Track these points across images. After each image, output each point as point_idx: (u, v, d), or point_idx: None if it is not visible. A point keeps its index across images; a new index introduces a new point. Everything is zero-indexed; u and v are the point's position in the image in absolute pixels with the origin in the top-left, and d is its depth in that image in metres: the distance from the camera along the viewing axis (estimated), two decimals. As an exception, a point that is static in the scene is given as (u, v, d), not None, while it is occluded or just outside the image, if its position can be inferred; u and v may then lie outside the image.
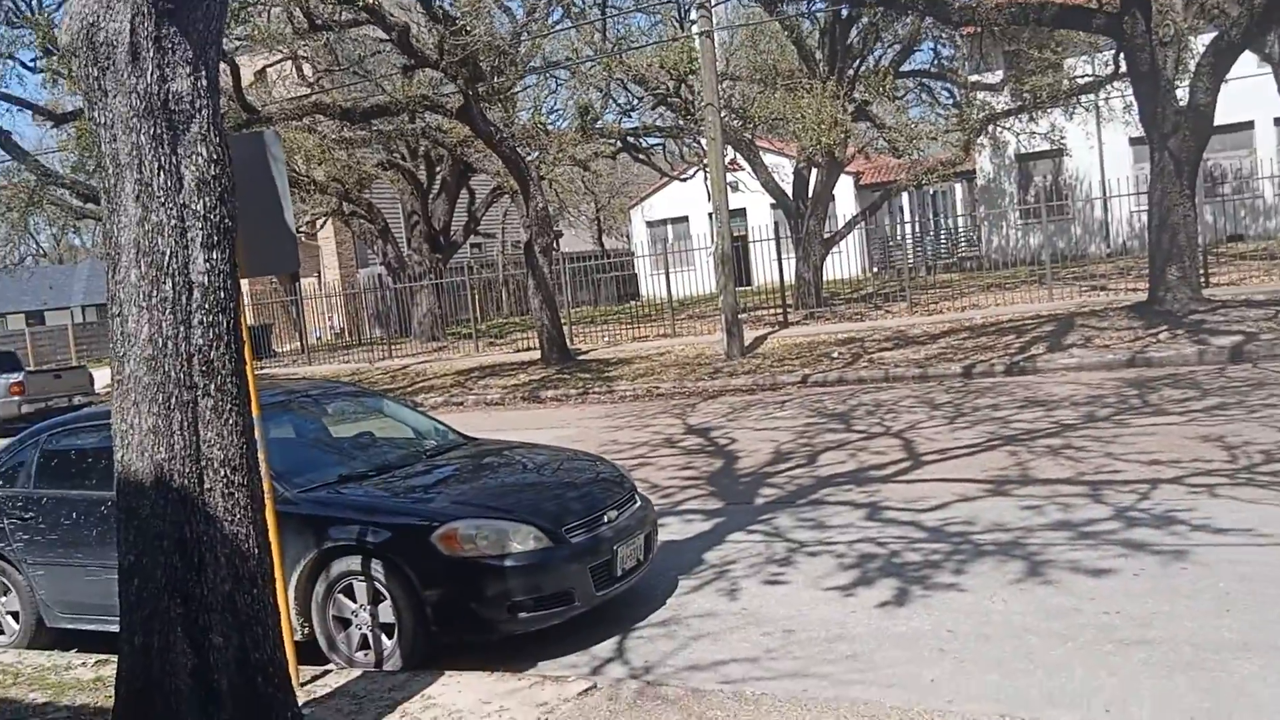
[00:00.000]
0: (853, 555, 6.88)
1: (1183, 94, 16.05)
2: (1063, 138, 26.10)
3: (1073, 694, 4.59)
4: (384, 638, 5.74)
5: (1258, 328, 13.67)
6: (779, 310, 22.10)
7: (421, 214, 28.31)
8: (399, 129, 23.84)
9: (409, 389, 19.55)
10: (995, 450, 9.45)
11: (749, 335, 19.02)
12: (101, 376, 24.66)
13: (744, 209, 31.75)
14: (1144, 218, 18.30)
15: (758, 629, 5.82)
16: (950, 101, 26.96)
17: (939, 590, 6.05)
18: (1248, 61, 19.57)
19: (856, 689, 4.88)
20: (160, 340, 4.06)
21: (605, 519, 6.15)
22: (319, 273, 36.00)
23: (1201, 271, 16.86)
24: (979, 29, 19.51)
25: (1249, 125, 27.50)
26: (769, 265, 23.01)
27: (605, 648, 5.83)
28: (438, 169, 28.64)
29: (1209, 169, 26.78)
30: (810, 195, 23.57)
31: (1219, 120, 15.88)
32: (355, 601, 5.81)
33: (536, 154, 23.31)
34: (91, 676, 5.96)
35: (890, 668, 5.10)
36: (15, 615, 7.04)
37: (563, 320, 21.71)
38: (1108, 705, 4.44)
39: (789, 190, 24.17)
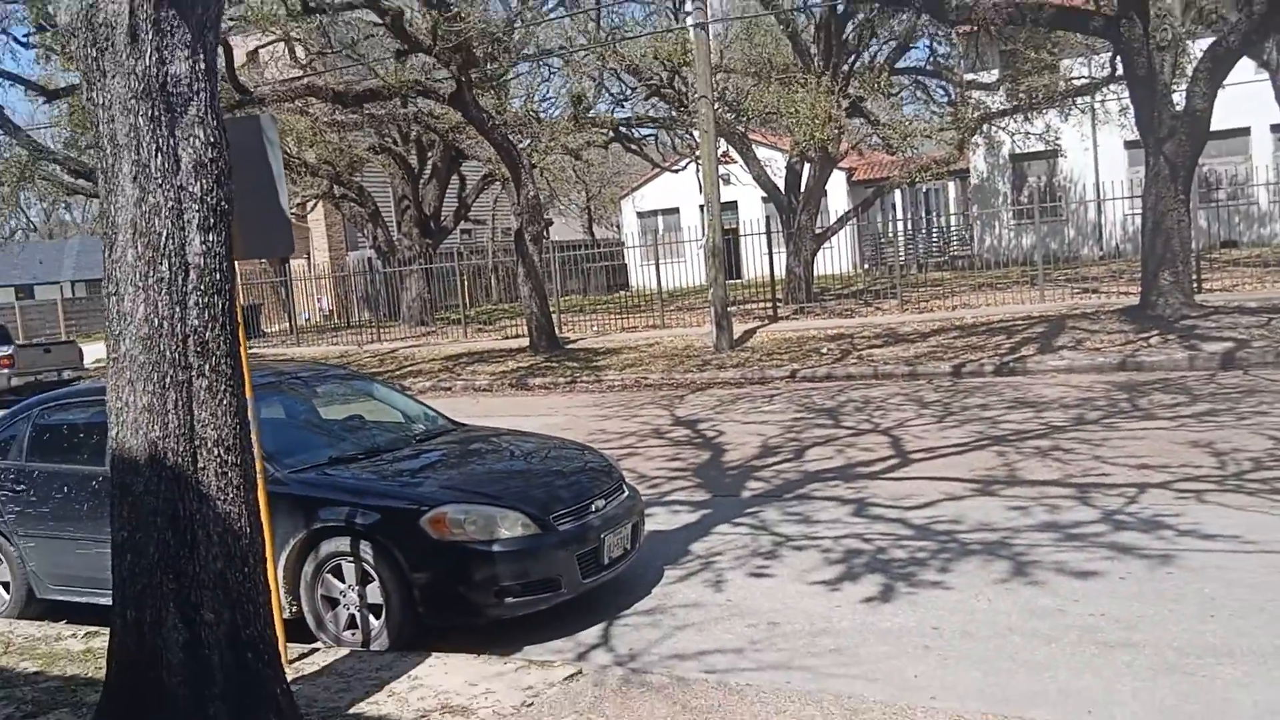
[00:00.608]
0: (839, 550, 6.91)
1: (1179, 99, 16.09)
2: (1058, 139, 26.16)
3: (1055, 694, 4.63)
4: (371, 618, 5.76)
5: (1249, 334, 13.73)
6: (769, 304, 22.13)
7: (412, 199, 28.22)
8: (391, 113, 23.75)
9: (397, 373, 19.52)
10: (983, 450, 9.49)
11: (738, 328, 19.04)
12: (91, 351, 24.58)
13: (735, 202, 31.78)
14: (1138, 221, 18.36)
15: (742, 620, 5.85)
16: (945, 100, 27.00)
17: (924, 587, 6.08)
18: (1245, 67, 19.60)
19: (840, 682, 4.91)
20: (156, 320, 4.06)
21: (593, 508, 6.18)
22: (309, 254, 35.87)
23: (1194, 277, 16.94)
24: (975, 28, 19.56)
25: (1245, 131, 27.60)
26: (759, 259, 23.06)
27: (591, 634, 5.85)
28: (429, 154, 28.54)
29: (1204, 174, 26.89)
30: (802, 190, 23.57)
31: (1215, 126, 15.92)
32: (343, 582, 5.83)
33: (528, 142, 23.26)
34: (81, 648, 5.97)
35: (874, 663, 5.13)
36: (6, 586, 7.05)
37: (552, 309, 21.69)
38: (1090, 706, 4.47)
39: (781, 184, 24.18)
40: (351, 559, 5.78)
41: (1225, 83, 15.58)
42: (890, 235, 31.19)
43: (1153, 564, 6.10)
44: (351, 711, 4.76)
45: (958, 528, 7.16)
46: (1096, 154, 29.63)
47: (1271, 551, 6.11)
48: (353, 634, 5.81)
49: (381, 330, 26.49)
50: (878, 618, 5.71)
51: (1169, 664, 4.82)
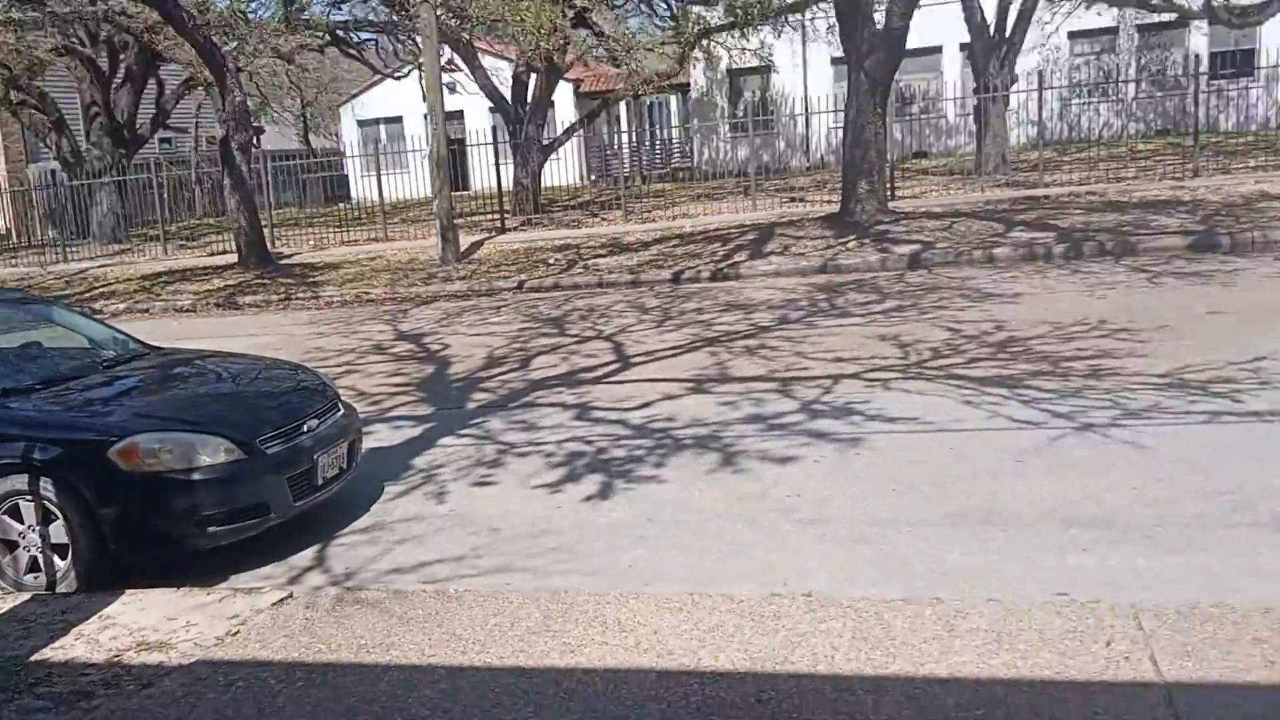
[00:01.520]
0: (561, 454, 7.02)
1: (880, 18, 16.99)
2: (771, 55, 27.14)
3: (756, 570, 4.93)
4: (57, 559, 5.32)
5: (934, 237, 14.93)
6: (496, 216, 21.90)
7: (102, 105, 25.72)
8: (77, 11, 21.41)
9: (86, 295, 17.92)
10: (698, 351, 9.87)
11: (465, 241, 18.75)
12: None
13: (462, 111, 31.03)
14: (841, 134, 19.38)
15: (464, 529, 5.85)
16: (667, 14, 27.32)
17: (641, 483, 6.30)
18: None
19: (559, 579, 5.02)
20: None
21: (305, 428, 5.93)
22: (-18, 168, 32.01)
23: (888, 185, 18.17)
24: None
25: (938, 50, 29.60)
26: (486, 170, 22.68)
27: (304, 557, 5.67)
28: (121, 57, 26.02)
29: (900, 89, 28.71)
30: (529, 100, 23.31)
31: (911, 44, 16.95)
32: (22, 523, 5.34)
33: (235, 44, 21.64)
34: None
35: (592, 557, 5.28)
36: None
37: (264, 222, 20.52)
38: (786, 578, 4.80)
39: (508, 94, 23.80)
40: (30, 498, 5.29)
41: (921, 3, 16.59)
42: (616, 147, 31.46)
43: (843, 447, 6.60)
44: (35, 659, 4.40)
45: (673, 425, 7.44)
46: (806, 70, 30.99)
47: (946, 430, 6.75)
48: (35, 577, 5.35)
49: (68, 250, 24.13)
50: (597, 515, 5.87)
51: (856, 535, 5.24)
